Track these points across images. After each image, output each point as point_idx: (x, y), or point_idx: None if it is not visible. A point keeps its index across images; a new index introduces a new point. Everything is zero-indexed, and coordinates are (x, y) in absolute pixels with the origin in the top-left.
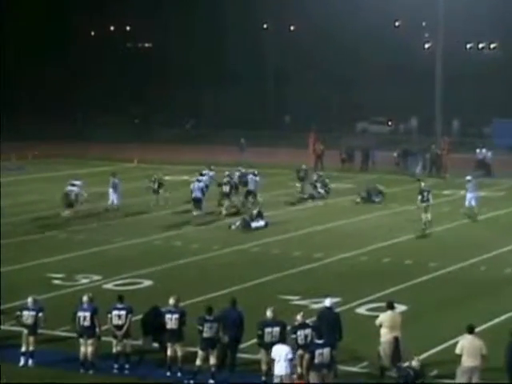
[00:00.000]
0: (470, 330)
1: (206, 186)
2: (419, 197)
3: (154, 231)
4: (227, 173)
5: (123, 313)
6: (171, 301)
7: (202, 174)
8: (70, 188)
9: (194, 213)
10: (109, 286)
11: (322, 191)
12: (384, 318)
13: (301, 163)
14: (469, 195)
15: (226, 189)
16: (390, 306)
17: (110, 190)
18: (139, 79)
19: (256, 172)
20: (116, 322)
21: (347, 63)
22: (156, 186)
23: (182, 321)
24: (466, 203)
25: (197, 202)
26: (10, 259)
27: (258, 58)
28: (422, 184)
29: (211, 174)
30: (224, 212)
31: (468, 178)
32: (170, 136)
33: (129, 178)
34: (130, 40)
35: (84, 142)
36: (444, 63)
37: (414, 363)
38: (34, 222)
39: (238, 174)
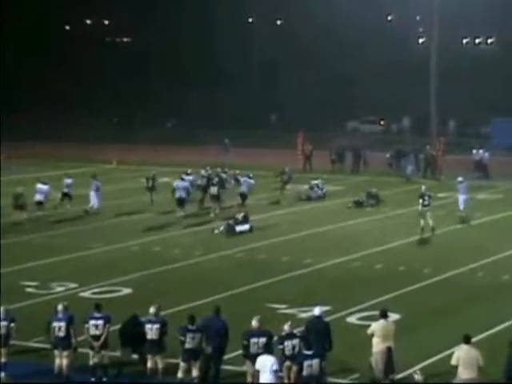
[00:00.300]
0: (467, 340)
1: (193, 186)
2: (420, 200)
3: (133, 236)
4: (204, 172)
5: (101, 322)
6: (152, 310)
7: (187, 174)
8: (40, 186)
9: (178, 214)
10: (85, 294)
11: (320, 192)
12: (376, 327)
13: (288, 165)
14: (461, 197)
15: (214, 190)
16: (384, 315)
17: (92, 193)
18: (118, 76)
19: (251, 175)
20: (93, 332)
21: (336, 60)
22: (150, 184)
23: (162, 331)
24: (461, 206)
25: (181, 202)
26: None
27: (242, 53)
28: (423, 187)
29: (205, 174)
30: (212, 214)
31: (459, 179)
32: (151, 136)
33: (108, 179)
34: (109, 34)
35: (59, 142)
36: (439, 59)
37: (417, 377)
38: (3, 227)
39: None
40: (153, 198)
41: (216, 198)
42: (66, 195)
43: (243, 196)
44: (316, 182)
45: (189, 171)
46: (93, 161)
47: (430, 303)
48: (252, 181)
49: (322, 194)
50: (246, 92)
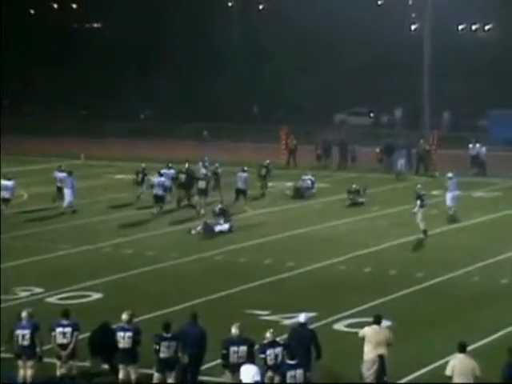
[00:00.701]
0: (462, 349)
1: (173, 179)
2: (418, 202)
3: (105, 237)
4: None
5: (68, 330)
6: (124, 316)
7: (169, 167)
8: (4, 183)
9: (154, 210)
10: (52, 299)
11: (310, 183)
12: (368, 332)
13: (269, 159)
14: (449, 194)
15: (202, 185)
16: (377, 321)
17: (67, 190)
18: (87, 64)
19: (245, 168)
20: (60, 340)
21: (323, 47)
22: (140, 178)
23: (135, 339)
24: (451, 204)
25: (157, 199)
26: None
27: (221, 40)
28: (418, 186)
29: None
30: (202, 211)
31: (449, 175)
32: (122, 129)
33: (76, 176)
34: (77, 20)
35: (22, 135)
36: (433, 47)
37: None
38: None
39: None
40: (140, 195)
41: (204, 192)
42: (59, 189)
43: (242, 192)
44: (308, 176)
45: (170, 164)
46: (59, 155)
47: (423, 309)
48: (246, 174)
49: (314, 191)
50: (225, 82)
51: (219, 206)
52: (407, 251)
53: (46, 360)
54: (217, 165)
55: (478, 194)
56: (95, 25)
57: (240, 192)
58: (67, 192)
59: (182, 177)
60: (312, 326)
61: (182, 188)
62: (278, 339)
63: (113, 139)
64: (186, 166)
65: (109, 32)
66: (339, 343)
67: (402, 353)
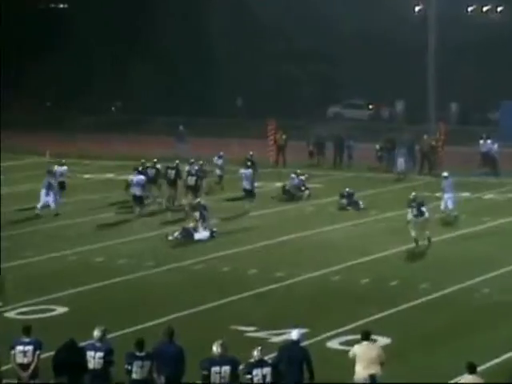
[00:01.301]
0: (471, 370)
1: (154, 180)
2: (424, 208)
3: (71, 243)
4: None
5: (30, 348)
6: (96, 333)
7: (155, 163)
8: None
9: (136, 212)
10: (11, 314)
11: (306, 191)
12: (358, 350)
13: (254, 154)
14: (446, 196)
15: (192, 181)
16: (365, 337)
17: (43, 191)
18: (52, 50)
19: (249, 163)
20: (20, 360)
21: (314, 31)
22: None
23: (107, 359)
24: (442, 206)
25: (136, 200)
26: None
27: (199, 25)
28: (413, 193)
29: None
30: (187, 208)
31: (444, 174)
32: (91, 123)
33: (41, 175)
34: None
35: None
36: (439, 30)
37: None
38: None
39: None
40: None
41: (193, 189)
42: (62, 185)
43: (248, 193)
44: (301, 177)
45: (155, 160)
46: (21, 152)
47: (427, 324)
48: (250, 170)
49: (307, 192)
50: (205, 71)
51: (197, 199)
52: (409, 260)
53: (4, 381)
54: (201, 162)
55: (488, 196)
56: (61, 5)
57: (248, 192)
58: (43, 193)
59: (172, 173)
60: (303, 344)
61: (171, 185)
62: (265, 358)
63: (81, 134)
64: (177, 161)
65: (76, 14)
66: (333, 362)
67: (401, 373)
